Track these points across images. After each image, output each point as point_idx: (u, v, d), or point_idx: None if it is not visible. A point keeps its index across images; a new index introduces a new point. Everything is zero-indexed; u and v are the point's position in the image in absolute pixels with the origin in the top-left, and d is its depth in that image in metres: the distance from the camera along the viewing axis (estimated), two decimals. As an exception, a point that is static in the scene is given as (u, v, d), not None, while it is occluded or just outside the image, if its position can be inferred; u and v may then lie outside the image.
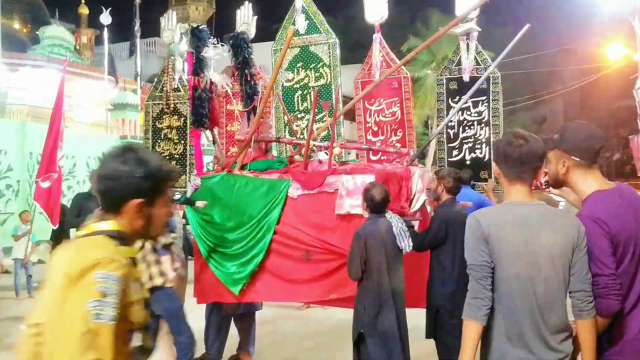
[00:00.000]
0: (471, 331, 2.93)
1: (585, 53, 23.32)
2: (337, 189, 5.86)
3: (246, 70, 6.94)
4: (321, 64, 8.44)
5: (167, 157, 9.46)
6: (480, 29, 8.04)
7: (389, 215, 5.34)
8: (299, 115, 8.54)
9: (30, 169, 12.95)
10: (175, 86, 9.93)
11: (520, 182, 3.02)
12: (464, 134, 8.11)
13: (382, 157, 7.43)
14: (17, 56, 27.72)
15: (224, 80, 6.93)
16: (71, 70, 30.01)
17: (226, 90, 7.35)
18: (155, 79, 10.50)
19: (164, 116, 9.83)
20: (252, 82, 7.03)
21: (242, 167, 6.60)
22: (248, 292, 6.21)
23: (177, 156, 9.59)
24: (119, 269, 2.09)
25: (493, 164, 3.18)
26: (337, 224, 5.84)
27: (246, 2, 8.25)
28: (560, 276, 2.89)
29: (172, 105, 9.79)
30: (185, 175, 9.13)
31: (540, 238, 2.89)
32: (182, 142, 9.38)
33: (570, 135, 3.19)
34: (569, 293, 2.92)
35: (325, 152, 6.74)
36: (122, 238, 2.26)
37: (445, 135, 8.19)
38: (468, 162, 7.88)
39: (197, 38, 6.82)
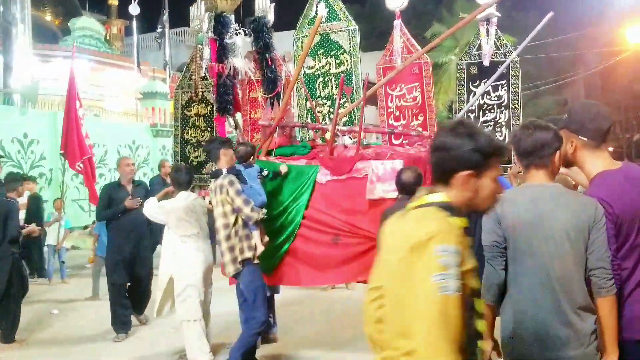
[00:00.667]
0: (485, 311, 2.88)
1: (605, 37, 23.10)
2: (367, 175, 5.92)
3: (267, 55, 7.00)
4: (342, 50, 8.45)
5: (195, 144, 9.59)
6: (500, 15, 8.02)
7: None
8: (320, 102, 8.56)
9: (62, 158, 13.17)
10: (203, 74, 10.01)
11: (534, 169, 3.10)
12: (484, 118, 8.15)
13: (404, 141, 7.50)
14: (49, 47, 27.98)
15: (246, 66, 7.00)
16: (102, 60, 30.37)
17: (249, 77, 7.42)
18: (185, 68, 10.59)
19: (192, 104, 9.89)
20: (273, 67, 7.09)
21: (268, 153, 6.69)
22: (276, 276, 6.31)
23: (205, 143, 9.66)
24: (456, 240, 2.16)
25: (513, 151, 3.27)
26: (367, 209, 5.89)
27: None
28: (577, 253, 2.91)
29: (200, 94, 9.84)
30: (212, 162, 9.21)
31: (555, 216, 2.91)
32: (209, 129, 9.41)
33: (578, 115, 3.25)
34: (589, 271, 2.93)
35: (350, 137, 6.85)
36: (452, 209, 2.32)
37: (466, 118, 8.16)
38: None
39: (220, 25, 6.88)
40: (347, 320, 8.46)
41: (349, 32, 8.45)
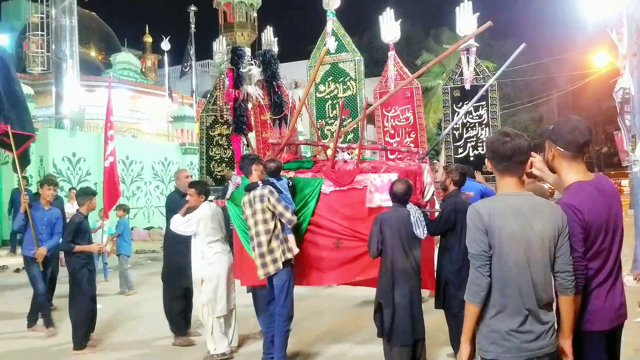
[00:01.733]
0: (470, 311, 2.92)
1: (575, 61, 23.23)
2: (366, 186, 5.87)
3: (274, 82, 7.00)
4: (348, 77, 8.48)
5: (218, 160, 9.57)
6: (478, 45, 8.03)
7: (409, 205, 5.32)
8: (329, 121, 8.57)
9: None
10: (225, 100, 10.01)
11: (509, 175, 2.96)
12: (467, 134, 8.10)
13: (398, 156, 7.45)
14: (93, 79, 28.23)
15: (256, 92, 7.00)
16: (138, 89, 30.61)
17: (259, 102, 7.40)
18: (209, 94, 10.61)
19: (216, 125, 9.89)
20: (279, 92, 7.12)
21: None
22: None
23: (227, 159, 9.65)
24: None
25: (487, 161, 3.13)
26: (366, 216, 5.83)
27: (268, 27, 8.28)
28: (548, 258, 2.86)
29: (224, 116, 9.87)
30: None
31: (533, 225, 2.85)
32: (231, 147, 9.42)
33: (559, 127, 3.14)
34: (555, 273, 2.89)
35: (348, 153, 6.80)
36: None
37: (451, 136, 8.18)
38: (472, 158, 7.87)
39: (236, 56, 6.87)
40: (352, 314, 8.39)
41: (355, 62, 8.50)
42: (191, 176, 7.51)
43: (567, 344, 2.95)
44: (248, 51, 7.22)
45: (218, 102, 10.05)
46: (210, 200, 6.93)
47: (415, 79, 8.17)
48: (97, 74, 30.74)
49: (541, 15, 35.65)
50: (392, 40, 8.22)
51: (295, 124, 7.09)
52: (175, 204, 7.05)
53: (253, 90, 6.87)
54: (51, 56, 23.97)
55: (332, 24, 8.46)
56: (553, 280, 2.92)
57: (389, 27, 8.20)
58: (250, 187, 5.86)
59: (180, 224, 6.51)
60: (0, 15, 38.45)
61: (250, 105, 7.27)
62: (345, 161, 6.59)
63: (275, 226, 5.74)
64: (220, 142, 9.81)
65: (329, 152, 6.75)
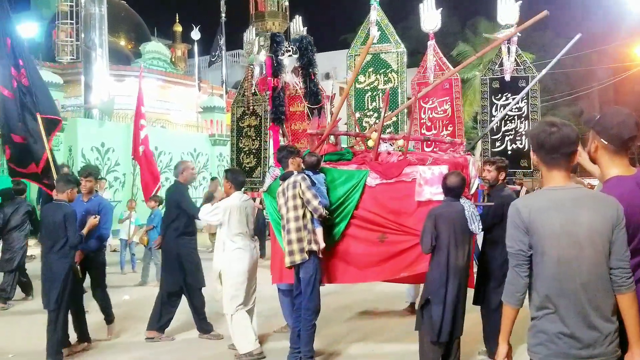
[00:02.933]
0: (507, 312, 2.89)
1: (617, 53, 22.69)
2: (415, 178, 5.84)
3: (310, 70, 6.95)
4: (390, 69, 8.46)
5: (247, 152, 9.58)
6: (520, 34, 7.89)
7: (463, 200, 5.31)
8: (367, 113, 8.54)
9: (134, 164, 13.38)
10: (254, 91, 10.02)
11: (557, 168, 2.84)
12: (506, 127, 7.98)
13: (435, 149, 7.36)
14: (123, 68, 28.47)
15: (293, 80, 6.93)
16: (168, 79, 30.82)
17: (296, 91, 7.31)
18: (239, 85, 10.65)
19: (245, 117, 9.91)
20: (316, 81, 7.05)
21: None
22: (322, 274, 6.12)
23: (254, 151, 9.70)
24: None
25: (532, 154, 3.01)
26: (415, 209, 5.81)
27: (297, 16, 8.31)
28: (602, 255, 2.72)
29: (251, 107, 9.89)
30: (260, 167, 9.26)
31: (579, 219, 2.71)
32: (259, 138, 9.46)
33: (605, 119, 3.03)
34: (610, 270, 2.75)
35: (390, 144, 6.81)
36: None
37: (488, 129, 8.10)
38: (509, 152, 7.75)
39: (275, 43, 6.81)
40: (379, 312, 8.40)
41: (398, 53, 8.48)
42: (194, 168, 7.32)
43: (637, 353, 2.76)
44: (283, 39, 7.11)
45: (246, 93, 10.08)
46: (244, 192, 6.87)
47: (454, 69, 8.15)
48: (127, 63, 31.01)
49: (582, 4, 34.94)
50: (432, 29, 8.17)
51: (338, 114, 7.04)
52: (180, 194, 7.07)
53: (290, 78, 6.80)
54: (80, 45, 24.23)
55: (375, 13, 8.47)
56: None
57: (429, 16, 8.13)
58: (285, 176, 5.90)
59: (206, 213, 6.51)
60: (30, 3, 39.07)
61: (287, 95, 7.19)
62: (389, 152, 6.57)
63: (305, 215, 5.73)
64: (249, 134, 9.83)
65: (370, 143, 6.70)
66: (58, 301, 5.93)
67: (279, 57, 6.78)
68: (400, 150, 6.73)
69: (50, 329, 5.99)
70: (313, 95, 7.02)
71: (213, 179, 16.68)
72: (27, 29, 25.81)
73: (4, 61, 7.03)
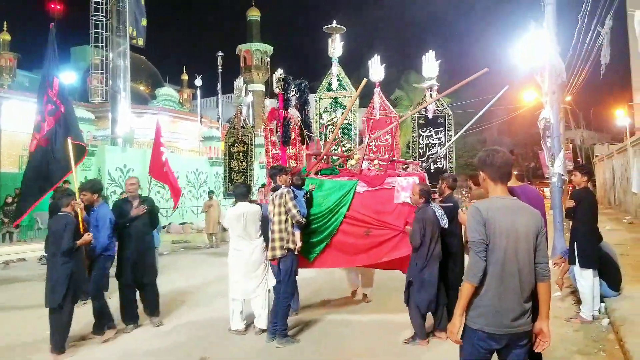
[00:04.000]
0: (466, 289, 2.78)
1: (510, 97, 23.67)
2: (394, 186, 5.98)
3: (306, 107, 6.98)
4: (345, 109, 8.39)
5: (237, 171, 9.56)
6: (438, 84, 8.10)
7: (433, 204, 5.43)
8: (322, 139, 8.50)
9: (149, 181, 13.20)
10: (242, 125, 10.02)
11: (501, 182, 2.88)
12: (430, 152, 8.22)
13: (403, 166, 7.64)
14: (141, 107, 28.19)
15: (296, 113, 6.94)
16: (177, 115, 30.56)
17: (297, 122, 7.16)
18: (231, 121, 10.62)
19: (235, 144, 9.92)
20: (309, 115, 7.13)
21: (316, 173, 6.69)
22: (319, 261, 6.17)
23: (243, 170, 9.69)
24: None
25: (480, 172, 2.95)
26: (393, 209, 5.93)
27: (279, 69, 8.27)
28: (531, 249, 2.78)
29: (240, 137, 9.87)
30: (247, 182, 9.18)
31: (519, 220, 2.78)
32: (245, 161, 9.48)
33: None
34: (536, 264, 2.80)
35: (367, 163, 6.99)
36: None
37: (417, 153, 8.32)
38: (432, 171, 7.89)
39: (286, 84, 6.81)
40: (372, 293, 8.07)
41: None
42: (135, 184, 6.30)
43: (545, 325, 2.83)
44: (291, 79, 7.05)
45: (236, 126, 10.05)
46: (252, 201, 6.68)
47: (393, 110, 8.25)
48: (145, 103, 30.75)
49: (486, 60, 35.89)
50: (378, 79, 8.27)
51: (333, 140, 7.13)
52: (119, 210, 6.14)
53: (294, 112, 6.85)
54: (109, 89, 23.94)
55: (336, 67, 8.54)
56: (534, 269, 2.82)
57: (376, 69, 8.23)
58: (275, 189, 5.88)
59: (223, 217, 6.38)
60: (70, 56, 38.46)
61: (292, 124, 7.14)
62: (369, 169, 6.75)
63: (286, 220, 5.69)
64: (238, 157, 9.83)
65: (352, 162, 6.85)
66: (61, 299, 5.15)
67: (288, 95, 6.78)
68: (377, 169, 6.87)
69: (54, 323, 5.24)
70: (307, 126, 7.06)
71: (211, 192, 16.55)
72: (68, 76, 25.34)
73: (48, 99, 6.51)
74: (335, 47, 8.48)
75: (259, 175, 24.42)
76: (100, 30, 25.41)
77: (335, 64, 8.54)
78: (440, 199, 5.96)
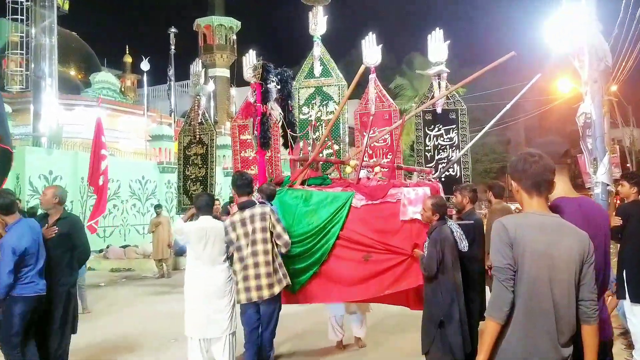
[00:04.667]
0: (490, 329, 2.75)
1: (541, 87, 23.62)
2: (399, 199, 5.83)
3: (289, 102, 6.98)
4: (332, 101, 8.52)
5: (193, 179, 9.44)
6: (449, 70, 8.13)
7: (450, 222, 5.37)
8: (309, 141, 8.38)
9: (82, 192, 12.92)
10: (200, 120, 9.92)
11: (538, 195, 2.86)
12: (439, 156, 8.19)
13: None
14: (72, 98, 27.91)
15: (277, 110, 6.86)
16: (117, 108, 30.30)
17: (276, 119, 7.16)
18: (187, 115, 10.54)
19: (192, 145, 9.83)
20: (293, 112, 7.13)
21: (302, 183, 6.56)
22: (304, 294, 6.05)
23: (201, 178, 9.58)
24: None
25: (511, 181, 2.96)
26: (399, 228, 5.79)
27: (250, 50, 8.28)
28: (573, 282, 2.73)
29: (198, 136, 9.77)
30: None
31: (560, 244, 2.73)
32: (205, 166, 9.39)
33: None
34: (579, 301, 2.76)
35: (367, 171, 6.88)
36: None
37: (423, 158, 8.26)
38: (443, 179, 7.84)
39: (265, 72, 6.71)
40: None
41: (339, 86, 8.57)
42: (48, 196, 6.04)
43: None
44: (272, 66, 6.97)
45: (193, 122, 9.97)
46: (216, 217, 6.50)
47: (392, 102, 8.25)
48: (76, 92, 30.44)
49: (509, 42, 36.21)
50: (373, 64, 8.20)
51: (324, 142, 7.10)
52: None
53: (275, 108, 6.76)
54: (30, 75, 23.61)
55: (319, 49, 8.54)
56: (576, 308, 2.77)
57: (371, 52, 8.18)
58: (245, 205, 5.64)
59: (176, 226, 6.16)
60: (-20, 33, 37.95)
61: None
62: (368, 178, 6.64)
63: (274, 247, 5.57)
64: (195, 162, 9.75)
65: (348, 169, 6.76)
66: None
67: (268, 86, 6.68)
68: (380, 178, 6.76)
69: None
70: (291, 125, 7.00)
71: (157, 207, 16.05)
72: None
73: None
74: (318, 22, 8.49)
75: (222, 185, 24.39)
76: (19, -1, 25.18)
77: (318, 44, 8.53)
78: (458, 215, 5.94)
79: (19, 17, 25.39)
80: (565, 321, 2.72)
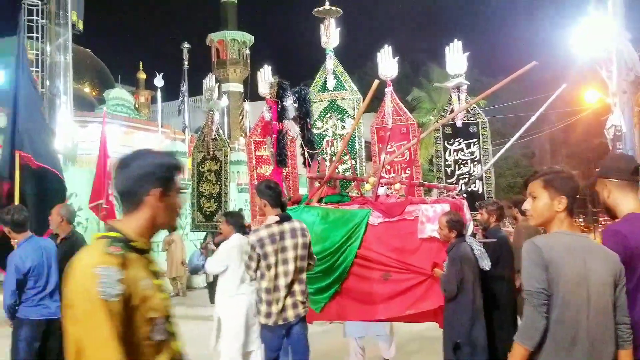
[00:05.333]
0: (519, 355, 2.65)
1: (566, 98, 23.29)
2: (417, 217, 5.72)
3: (307, 120, 6.93)
4: (346, 115, 8.43)
5: (207, 196, 9.38)
6: (468, 83, 7.96)
7: (469, 239, 5.27)
8: (325, 157, 8.19)
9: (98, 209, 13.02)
10: (214, 136, 9.87)
11: (568, 213, 2.77)
12: (460, 171, 7.95)
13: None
14: (86, 115, 28.12)
15: (294, 127, 6.83)
16: (131, 125, 30.49)
17: (293, 138, 7.18)
18: (200, 131, 10.51)
19: (205, 161, 9.79)
20: (312, 130, 7.10)
21: (319, 200, 6.46)
22: (328, 311, 5.97)
23: (215, 195, 9.52)
24: (117, 264, 2.10)
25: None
26: (417, 247, 5.68)
27: (265, 66, 8.24)
28: (608, 306, 2.63)
29: (211, 152, 9.73)
30: (221, 211, 8.99)
31: (592, 267, 2.62)
32: (219, 183, 9.35)
33: (605, 163, 3.14)
34: (614, 325, 2.67)
35: (386, 188, 6.78)
36: (126, 240, 2.24)
37: (443, 173, 8.04)
38: (465, 195, 7.67)
39: (281, 90, 6.69)
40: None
41: (354, 100, 8.46)
42: (54, 215, 6.06)
43: None
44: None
45: (206, 138, 9.91)
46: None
47: (410, 115, 8.15)
48: (91, 109, 30.70)
49: (531, 52, 36.03)
50: (390, 77, 8.11)
51: (340, 159, 7.04)
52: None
53: (291, 126, 6.74)
54: (45, 92, 23.80)
55: (332, 62, 8.47)
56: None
57: (387, 64, 8.09)
58: (283, 218, 5.17)
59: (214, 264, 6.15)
60: (-5, 52, 38.45)
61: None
62: (387, 195, 6.54)
63: (307, 267, 5.26)
64: (209, 178, 9.70)
65: (367, 187, 6.62)
66: None
67: (284, 104, 6.68)
68: (401, 195, 6.62)
69: None
70: (309, 143, 6.97)
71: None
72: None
73: None
74: (330, 35, 8.40)
75: (236, 201, 24.30)
76: (35, 17, 25.42)
77: (331, 56, 8.47)
78: (483, 232, 5.78)
79: (34, 34, 25.66)
80: (602, 348, 2.61)
